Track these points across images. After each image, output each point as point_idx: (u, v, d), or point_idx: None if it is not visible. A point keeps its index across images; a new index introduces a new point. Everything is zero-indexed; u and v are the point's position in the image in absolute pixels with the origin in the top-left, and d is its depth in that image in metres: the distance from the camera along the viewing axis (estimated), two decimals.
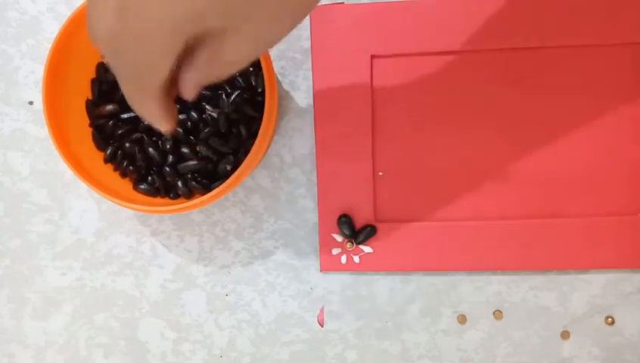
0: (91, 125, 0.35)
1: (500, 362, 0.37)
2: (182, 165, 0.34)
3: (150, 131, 0.34)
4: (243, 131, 0.34)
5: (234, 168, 0.32)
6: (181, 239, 0.38)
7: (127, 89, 0.22)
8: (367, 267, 0.36)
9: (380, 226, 0.36)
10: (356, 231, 0.36)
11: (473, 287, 0.37)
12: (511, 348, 0.37)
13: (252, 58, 0.22)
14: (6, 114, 0.39)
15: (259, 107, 0.32)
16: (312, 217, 0.37)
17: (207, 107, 0.34)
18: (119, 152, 0.35)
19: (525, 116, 0.36)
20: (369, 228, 0.36)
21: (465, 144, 0.36)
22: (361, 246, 0.36)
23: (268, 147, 0.34)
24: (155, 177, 0.34)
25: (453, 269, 0.36)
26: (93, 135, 0.35)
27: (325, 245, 0.36)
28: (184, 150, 0.34)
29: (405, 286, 0.37)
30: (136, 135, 0.34)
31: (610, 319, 0.36)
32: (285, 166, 0.38)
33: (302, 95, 0.38)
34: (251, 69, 0.34)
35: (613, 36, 0.35)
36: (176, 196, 0.35)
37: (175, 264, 0.38)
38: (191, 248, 0.38)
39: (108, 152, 0.35)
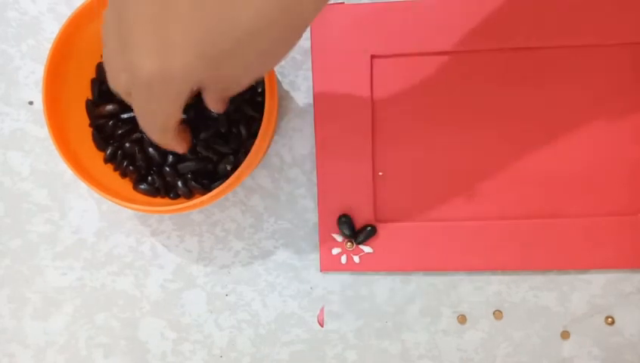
0: (91, 125, 0.35)
1: (500, 362, 0.37)
2: (182, 165, 0.34)
3: None
4: (243, 131, 0.34)
5: (234, 168, 0.32)
6: (181, 239, 0.38)
7: (145, 129, 0.26)
8: (367, 267, 0.36)
9: (380, 226, 0.36)
10: (356, 231, 0.36)
11: (473, 287, 0.37)
12: (511, 348, 0.37)
13: (256, 79, 0.25)
14: (6, 114, 0.39)
15: (259, 107, 0.32)
16: (312, 217, 0.37)
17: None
18: (119, 152, 0.35)
19: (525, 116, 0.36)
20: (369, 228, 0.36)
21: (465, 144, 0.36)
22: (361, 246, 0.36)
23: (268, 147, 0.34)
24: (155, 177, 0.34)
25: (453, 269, 0.36)
26: (93, 135, 0.35)
27: (325, 245, 0.36)
28: None
29: (405, 286, 0.37)
30: (136, 135, 0.34)
31: (610, 319, 0.36)
32: (285, 166, 0.38)
33: (302, 95, 0.38)
34: None
35: (613, 36, 0.35)
36: (176, 196, 0.35)
37: (175, 264, 0.38)
38: (191, 248, 0.38)
39: (108, 152, 0.35)
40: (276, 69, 0.38)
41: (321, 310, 0.38)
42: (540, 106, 0.36)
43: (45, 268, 0.39)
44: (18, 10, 0.39)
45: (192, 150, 0.34)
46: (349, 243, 0.36)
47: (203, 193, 0.32)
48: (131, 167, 0.35)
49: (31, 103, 0.39)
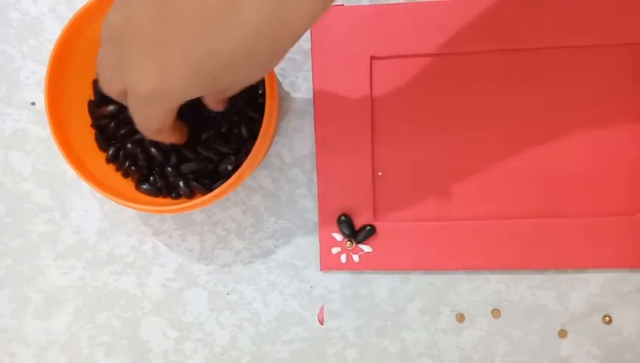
0: (93, 125, 0.35)
1: (499, 361, 0.37)
2: (184, 165, 0.34)
3: None
4: (244, 131, 0.34)
5: (235, 168, 0.32)
6: (182, 238, 0.39)
7: (140, 129, 0.27)
8: (366, 266, 0.36)
9: (379, 226, 0.36)
10: (356, 231, 0.36)
11: (472, 286, 0.37)
12: (509, 347, 0.37)
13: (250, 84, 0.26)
14: (8, 115, 0.39)
15: (260, 108, 0.32)
16: (312, 217, 0.38)
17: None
18: (121, 152, 0.35)
19: (525, 116, 0.36)
20: (369, 228, 0.36)
21: (463, 145, 0.36)
22: (361, 246, 0.36)
23: (268, 147, 0.34)
24: (157, 177, 0.35)
25: (452, 268, 0.36)
26: (95, 136, 0.35)
27: (325, 244, 0.37)
28: (186, 150, 0.34)
29: (405, 285, 0.37)
30: (138, 136, 0.34)
31: (607, 318, 0.36)
32: (285, 166, 0.38)
33: (302, 96, 0.38)
34: None
35: (613, 36, 0.35)
36: (178, 196, 0.35)
37: (176, 263, 0.39)
38: (192, 247, 0.39)
39: (110, 152, 0.35)
40: (276, 70, 0.38)
41: (321, 309, 0.38)
42: (540, 106, 0.36)
43: (46, 268, 0.39)
44: (19, 10, 0.39)
45: (193, 150, 0.34)
46: (348, 243, 0.36)
47: (205, 193, 0.32)
48: (133, 167, 0.35)
49: (33, 103, 0.39)
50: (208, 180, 0.34)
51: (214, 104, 0.29)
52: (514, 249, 0.36)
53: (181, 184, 0.34)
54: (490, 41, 0.35)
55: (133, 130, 0.35)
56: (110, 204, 0.39)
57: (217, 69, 0.22)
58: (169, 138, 0.29)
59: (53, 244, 0.39)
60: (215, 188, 0.31)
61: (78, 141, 0.33)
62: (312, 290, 0.38)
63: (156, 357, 0.39)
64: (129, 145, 0.34)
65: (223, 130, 0.34)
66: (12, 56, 0.39)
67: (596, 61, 0.35)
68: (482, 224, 0.36)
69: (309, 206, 0.38)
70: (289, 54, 0.38)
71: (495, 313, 0.37)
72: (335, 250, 0.37)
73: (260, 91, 0.34)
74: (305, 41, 0.37)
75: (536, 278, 0.37)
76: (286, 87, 0.38)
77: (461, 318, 0.37)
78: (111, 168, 0.35)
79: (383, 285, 0.37)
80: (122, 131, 0.34)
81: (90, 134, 0.35)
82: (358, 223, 0.36)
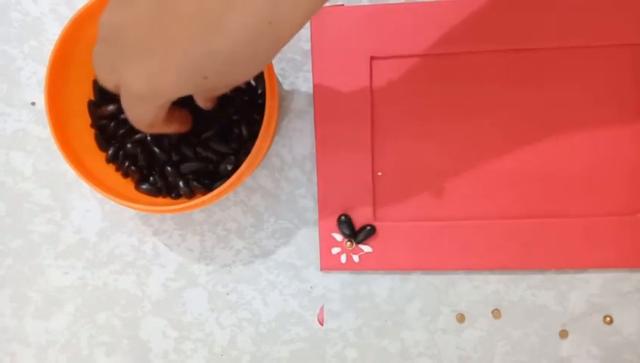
0: (93, 125, 0.35)
1: (498, 361, 0.37)
2: (184, 165, 0.34)
3: None
4: (244, 131, 0.34)
5: (235, 168, 0.32)
6: (182, 238, 0.39)
7: (132, 123, 0.28)
8: (366, 266, 0.36)
9: (379, 226, 0.36)
10: (356, 231, 0.36)
11: (472, 286, 0.37)
12: (509, 346, 0.37)
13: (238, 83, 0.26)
14: (8, 115, 0.39)
15: (260, 108, 0.32)
16: (312, 217, 0.38)
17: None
18: (121, 152, 0.35)
19: (524, 116, 0.36)
20: (369, 228, 0.36)
21: (464, 145, 0.36)
22: (361, 246, 0.36)
23: (268, 147, 0.34)
24: (157, 177, 0.35)
25: (452, 268, 0.36)
26: (95, 136, 0.35)
27: (325, 244, 0.37)
28: (186, 150, 0.34)
29: (405, 285, 0.37)
30: (138, 136, 0.34)
31: (608, 318, 0.36)
32: (285, 166, 0.38)
33: (302, 96, 0.38)
34: None
35: (613, 37, 0.35)
36: (178, 196, 0.35)
37: (176, 263, 0.39)
38: (192, 247, 0.39)
39: (110, 152, 0.35)
40: (277, 70, 0.38)
41: (321, 309, 0.38)
42: (540, 106, 0.36)
43: (46, 268, 0.39)
44: (20, 11, 0.39)
45: (193, 150, 0.34)
46: (348, 243, 0.36)
47: (205, 193, 0.32)
48: (133, 167, 0.35)
49: (33, 103, 0.39)
50: (208, 180, 0.34)
51: (203, 102, 0.29)
52: (513, 249, 0.36)
53: (181, 184, 0.34)
54: (490, 41, 0.35)
55: (133, 130, 0.35)
56: (111, 204, 0.39)
57: (212, 70, 0.23)
58: (165, 129, 0.29)
59: (53, 244, 0.39)
60: (216, 188, 0.31)
61: (78, 141, 0.34)
62: (312, 289, 0.38)
63: (156, 357, 0.39)
64: (129, 145, 0.34)
65: (223, 131, 0.34)
66: (13, 56, 0.39)
67: (596, 61, 0.35)
68: (482, 224, 0.36)
69: (309, 206, 0.38)
70: (289, 55, 0.38)
71: (496, 313, 0.37)
72: (335, 250, 0.37)
73: (260, 91, 0.34)
74: (305, 42, 0.37)
75: (536, 278, 0.37)
76: (286, 87, 0.38)
77: (461, 318, 0.37)
78: (111, 168, 0.35)
79: (383, 285, 0.37)
80: (122, 131, 0.35)
81: (90, 134, 0.35)
82: (358, 223, 0.36)
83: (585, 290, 0.36)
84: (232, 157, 0.34)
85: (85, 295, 0.39)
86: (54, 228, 0.39)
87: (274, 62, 0.37)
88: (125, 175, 0.35)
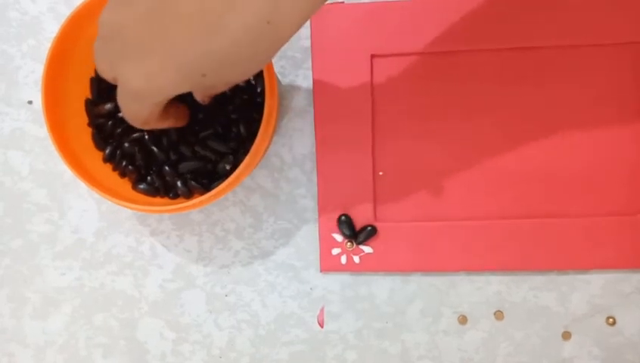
0: (90, 124, 0.35)
1: (500, 362, 0.37)
2: (182, 164, 0.34)
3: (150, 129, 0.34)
4: (243, 130, 0.34)
5: (234, 168, 0.31)
6: (180, 239, 0.38)
7: (126, 119, 0.28)
8: (367, 267, 0.36)
9: (380, 226, 0.36)
10: (356, 231, 0.36)
11: (474, 287, 0.37)
12: (511, 348, 0.37)
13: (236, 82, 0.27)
14: (6, 114, 0.39)
15: (259, 106, 0.32)
16: (312, 217, 0.37)
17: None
18: (118, 151, 0.34)
19: (525, 116, 0.36)
20: (369, 228, 0.36)
21: (465, 144, 0.36)
22: (361, 247, 0.36)
23: (267, 146, 0.34)
24: (154, 177, 0.34)
25: (453, 269, 0.36)
26: (92, 135, 0.35)
27: (325, 245, 0.36)
28: (184, 150, 0.34)
29: (405, 286, 0.37)
30: (136, 135, 0.34)
31: (610, 319, 0.36)
32: (285, 166, 0.38)
33: (302, 95, 0.38)
34: None
35: (613, 36, 0.35)
36: (176, 195, 0.34)
37: (174, 264, 0.38)
38: (190, 248, 0.38)
39: (107, 151, 0.35)
40: (276, 68, 0.38)
41: (321, 310, 0.38)
42: (540, 105, 0.36)
43: (44, 268, 0.39)
44: (18, 10, 0.39)
45: (191, 149, 0.34)
46: (349, 244, 0.36)
47: (203, 193, 0.32)
48: (130, 167, 0.34)
49: (30, 102, 0.39)
50: (206, 179, 0.34)
51: (200, 98, 0.29)
52: (514, 249, 0.36)
53: (179, 183, 0.34)
54: (491, 39, 0.35)
55: (130, 128, 0.35)
56: (108, 204, 0.38)
57: (211, 69, 0.23)
58: (160, 125, 0.29)
59: (51, 244, 0.39)
60: (214, 188, 0.31)
61: (75, 141, 0.33)
62: (312, 291, 0.38)
63: (154, 358, 0.38)
64: (127, 144, 0.34)
65: (222, 130, 0.34)
66: (11, 55, 0.39)
67: (596, 60, 0.35)
68: (482, 224, 0.36)
69: (308, 206, 0.37)
70: (289, 52, 0.38)
71: (499, 315, 0.37)
72: (335, 251, 0.36)
73: (259, 90, 0.34)
74: (305, 39, 0.37)
75: (538, 279, 0.37)
76: (286, 85, 0.38)
77: (463, 319, 0.37)
78: (108, 167, 0.35)
79: (383, 286, 0.37)
80: (120, 130, 0.34)
81: (87, 133, 0.35)
82: (359, 223, 0.36)
83: (586, 291, 0.36)
84: (231, 157, 0.33)
85: (83, 296, 0.39)
86: (51, 228, 0.39)
87: (273, 60, 0.37)
88: (123, 174, 0.35)
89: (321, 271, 0.37)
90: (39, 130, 0.39)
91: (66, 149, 0.32)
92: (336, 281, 0.37)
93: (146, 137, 0.34)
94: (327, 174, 0.36)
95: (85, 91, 0.35)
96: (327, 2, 0.36)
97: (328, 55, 0.36)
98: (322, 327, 0.38)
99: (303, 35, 0.37)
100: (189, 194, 0.34)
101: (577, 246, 0.35)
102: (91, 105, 0.35)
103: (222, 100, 0.34)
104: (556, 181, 0.36)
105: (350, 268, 0.36)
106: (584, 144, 0.36)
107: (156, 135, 0.34)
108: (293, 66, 0.38)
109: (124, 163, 0.34)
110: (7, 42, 0.39)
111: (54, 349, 0.39)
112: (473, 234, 0.36)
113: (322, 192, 0.36)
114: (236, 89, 0.34)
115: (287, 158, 0.38)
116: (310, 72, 0.37)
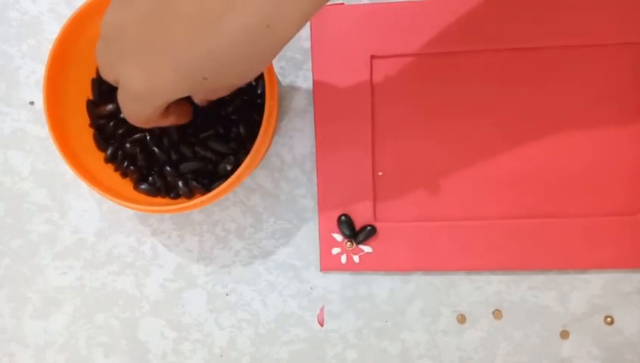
0: (91, 125, 0.35)
1: (500, 362, 0.37)
2: (183, 165, 0.34)
3: (152, 130, 0.34)
4: (243, 131, 0.34)
5: (235, 168, 0.32)
6: (181, 239, 0.38)
7: (127, 119, 0.28)
8: (367, 267, 0.36)
9: (379, 226, 0.36)
10: (356, 231, 0.36)
11: (473, 287, 0.37)
12: (510, 347, 0.37)
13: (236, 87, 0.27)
14: (7, 114, 0.39)
15: (259, 107, 0.32)
16: (312, 217, 0.38)
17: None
18: (120, 152, 0.35)
19: (525, 116, 0.36)
20: (369, 228, 0.36)
21: (465, 144, 0.36)
22: (361, 246, 0.36)
23: (268, 147, 0.34)
24: (156, 177, 0.34)
25: (453, 269, 0.36)
26: (94, 135, 0.35)
27: (325, 245, 0.36)
28: (185, 150, 0.34)
29: (405, 285, 0.37)
30: (137, 135, 0.34)
31: (609, 319, 0.36)
32: (285, 166, 0.38)
33: (302, 95, 0.38)
34: None
35: (613, 36, 0.35)
36: (177, 196, 0.35)
37: (175, 263, 0.38)
38: (191, 248, 0.38)
39: (109, 152, 0.35)
40: (276, 69, 0.38)
41: (321, 310, 0.38)
42: (540, 105, 0.36)
43: (45, 268, 0.39)
44: (19, 10, 0.39)
45: (192, 150, 0.34)
46: (349, 243, 0.36)
47: (204, 193, 0.32)
48: (132, 167, 0.35)
49: (32, 103, 0.39)
50: (207, 180, 0.34)
51: (199, 101, 0.30)
52: (514, 249, 0.36)
53: (180, 183, 0.34)
54: (491, 40, 0.35)
55: (132, 129, 0.35)
56: (109, 204, 0.39)
57: (211, 70, 0.23)
58: (161, 123, 0.29)
59: (51, 244, 0.39)
60: (215, 188, 0.31)
61: (76, 141, 0.33)
62: (312, 290, 0.38)
63: (155, 358, 0.39)
64: (128, 145, 0.34)
65: (222, 130, 0.34)
66: (11, 55, 0.39)
67: (596, 61, 0.35)
68: (482, 224, 0.36)
69: (308, 206, 0.38)
70: (289, 53, 0.38)
71: (497, 314, 0.37)
72: (335, 251, 0.36)
73: (260, 91, 0.34)
74: (305, 40, 0.37)
75: (537, 279, 0.37)
76: (286, 86, 0.38)
77: (462, 319, 0.37)
78: (110, 167, 0.35)
79: (383, 286, 0.37)
80: (121, 131, 0.34)
81: (89, 133, 0.35)
82: (359, 223, 0.36)
83: (586, 290, 0.36)
84: (231, 157, 0.33)
85: (84, 295, 0.39)
86: (52, 228, 0.39)
87: (273, 61, 0.37)
88: (124, 174, 0.35)
89: (321, 270, 0.37)
90: (40, 130, 0.39)
91: (67, 149, 0.32)
92: (336, 281, 0.38)
93: (148, 138, 0.34)
94: (327, 174, 0.36)
95: (85, 91, 0.35)
96: (327, 3, 0.36)
97: (328, 56, 0.36)
98: (322, 326, 0.38)
99: (303, 37, 0.37)
100: (190, 194, 0.34)
101: (577, 246, 0.35)
102: (92, 106, 0.35)
103: (222, 101, 0.34)
104: (556, 181, 0.36)
105: (350, 267, 0.36)
106: (584, 144, 0.36)
107: (158, 136, 0.34)
108: (293, 67, 0.38)
109: (126, 164, 0.34)
110: (8, 42, 0.39)
111: (55, 348, 0.39)
112: (473, 234, 0.36)
113: (322, 192, 0.36)
114: (236, 90, 0.34)
115: (287, 158, 0.38)
116: (310, 73, 0.37)
